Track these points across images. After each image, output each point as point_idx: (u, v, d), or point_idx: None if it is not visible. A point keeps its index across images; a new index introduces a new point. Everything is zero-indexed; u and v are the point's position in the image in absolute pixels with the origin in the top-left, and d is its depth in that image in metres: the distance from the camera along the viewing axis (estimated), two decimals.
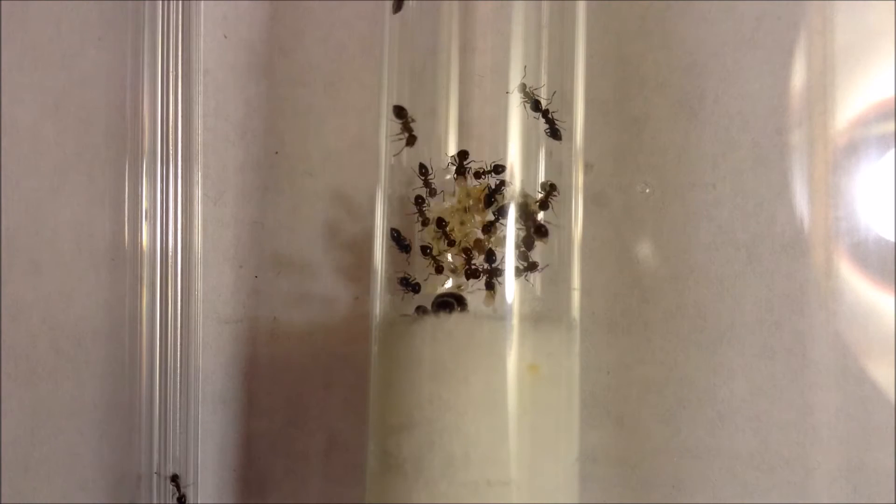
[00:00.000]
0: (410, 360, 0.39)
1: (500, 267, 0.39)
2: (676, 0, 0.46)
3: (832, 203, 0.44)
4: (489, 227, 0.39)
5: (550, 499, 0.39)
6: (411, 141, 0.41)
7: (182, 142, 0.49)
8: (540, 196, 0.40)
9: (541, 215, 0.40)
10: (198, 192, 0.50)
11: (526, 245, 0.40)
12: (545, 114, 0.40)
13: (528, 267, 0.40)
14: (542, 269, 0.40)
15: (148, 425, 0.49)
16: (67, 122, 0.51)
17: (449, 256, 0.40)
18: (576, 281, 0.42)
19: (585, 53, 0.42)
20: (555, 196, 0.40)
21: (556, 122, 0.40)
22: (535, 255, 0.40)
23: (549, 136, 0.40)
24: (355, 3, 0.50)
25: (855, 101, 0.44)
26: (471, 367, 0.38)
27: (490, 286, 0.39)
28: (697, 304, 0.46)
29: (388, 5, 0.42)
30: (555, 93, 0.40)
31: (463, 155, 0.40)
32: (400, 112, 0.41)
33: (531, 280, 0.40)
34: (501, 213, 0.39)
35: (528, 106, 0.40)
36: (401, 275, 0.41)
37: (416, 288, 0.40)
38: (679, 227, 0.46)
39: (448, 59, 0.42)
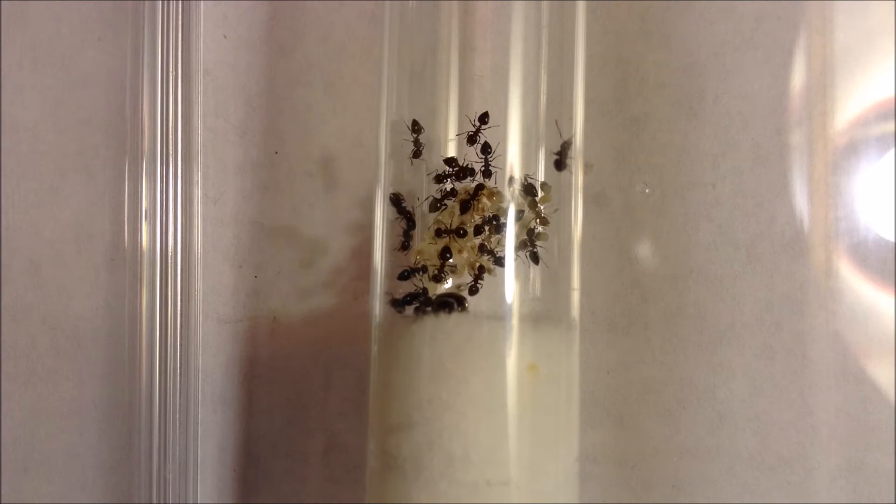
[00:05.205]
0: (410, 361, 0.39)
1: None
2: (676, 0, 0.46)
3: (832, 203, 0.44)
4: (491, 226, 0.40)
5: (550, 499, 0.39)
6: (404, 245, 0.41)
7: (182, 142, 0.49)
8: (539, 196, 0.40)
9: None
10: (197, 192, 0.50)
11: (531, 238, 0.40)
12: (563, 151, 0.40)
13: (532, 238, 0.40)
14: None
15: (148, 425, 0.49)
16: (67, 122, 0.51)
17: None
18: (575, 281, 0.42)
19: (585, 53, 0.42)
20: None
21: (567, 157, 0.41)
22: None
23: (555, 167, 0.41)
24: (355, 3, 0.50)
25: (855, 101, 0.44)
26: (470, 367, 0.38)
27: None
28: (697, 304, 0.46)
29: (388, 6, 0.42)
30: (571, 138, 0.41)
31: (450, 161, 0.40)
32: (395, 200, 0.41)
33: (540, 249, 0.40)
34: (500, 213, 0.39)
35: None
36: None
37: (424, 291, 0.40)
38: (679, 227, 0.46)
39: (448, 59, 0.41)
